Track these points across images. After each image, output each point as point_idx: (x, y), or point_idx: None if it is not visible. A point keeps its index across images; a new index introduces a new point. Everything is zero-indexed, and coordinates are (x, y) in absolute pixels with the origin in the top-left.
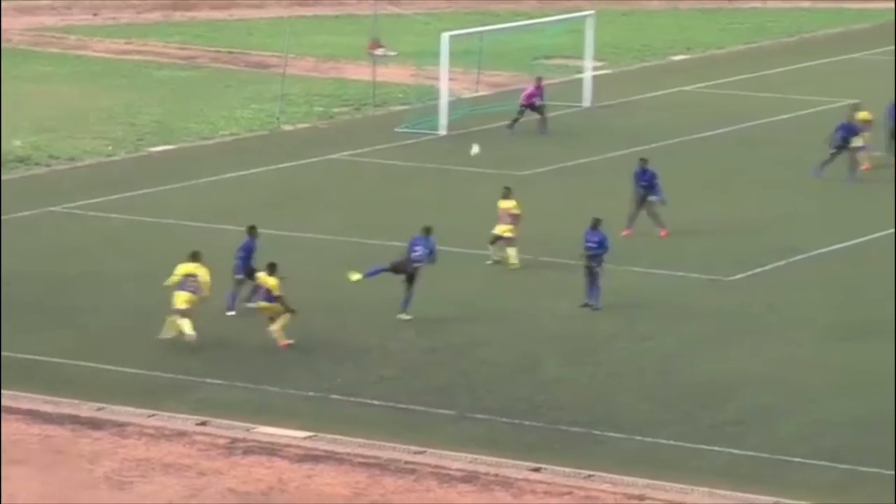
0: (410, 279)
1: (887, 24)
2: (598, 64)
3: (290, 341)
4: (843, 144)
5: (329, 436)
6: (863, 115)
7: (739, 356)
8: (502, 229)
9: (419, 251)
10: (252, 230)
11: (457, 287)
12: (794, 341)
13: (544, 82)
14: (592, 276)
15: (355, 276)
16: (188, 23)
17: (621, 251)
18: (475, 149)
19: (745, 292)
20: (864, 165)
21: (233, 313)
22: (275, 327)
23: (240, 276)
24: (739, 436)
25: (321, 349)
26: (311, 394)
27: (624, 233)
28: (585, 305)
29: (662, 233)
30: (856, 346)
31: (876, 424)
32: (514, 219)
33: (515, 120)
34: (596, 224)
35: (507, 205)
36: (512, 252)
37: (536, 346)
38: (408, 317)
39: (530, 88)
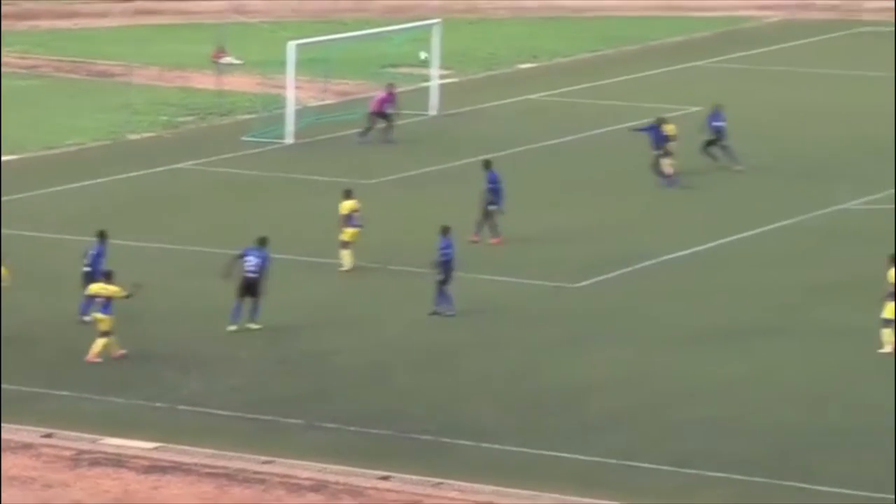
0: (253, 291)
1: (729, 31)
2: (445, 72)
3: (124, 351)
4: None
5: (176, 446)
6: (669, 128)
7: (586, 363)
8: (348, 233)
9: (252, 261)
10: (102, 235)
11: (305, 296)
12: (640, 347)
13: (396, 90)
14: (444, 283)
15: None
16: (30, 32)
17: (469, 258)
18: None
19: (590, 299)
20: (669, 170)
21: (88, 318)
22: (98, 345)
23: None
24: (588, 442)
25: (168, 359)
26: (157, 404)
27: (472, 238)
28: (434, 313)
29: (494, 240)
30: (700, 352)
31: (722, 429)
32: (349, 220)
33: (368, 128)
34: (446, 231)
35: (349, 206)
36: (346, 254)
37: (385, 355)
38: (257, 326)
39: (382, 94)
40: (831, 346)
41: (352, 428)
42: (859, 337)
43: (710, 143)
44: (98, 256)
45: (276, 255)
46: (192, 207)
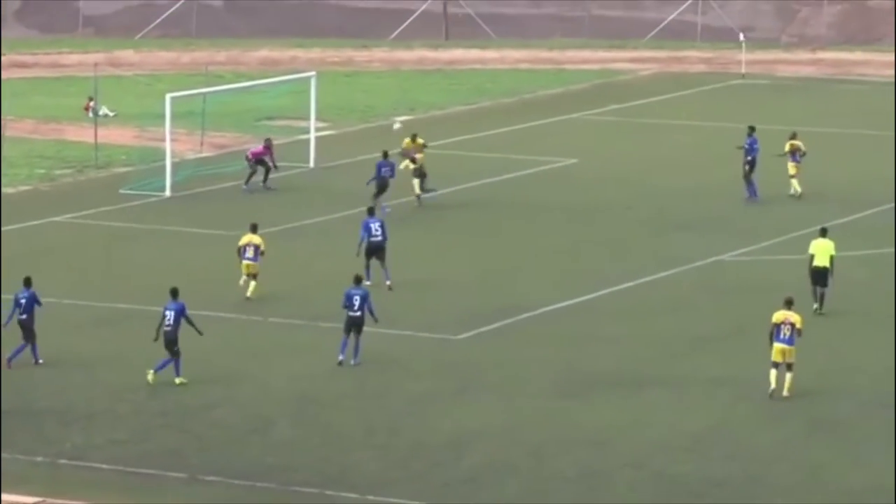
0: (173, 345)
1: (604, 84)
2: (322, 125)
3: None
4: None
5: (58, 501)
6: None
7: (468, 414)
8: (248, 266)
9: (169, 315)
10: (28, 282)
11: (187, 348)
12: (520, 398)
13: (273, 142)
14: (353, 331)
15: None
16: None
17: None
18: (397, 124)
19: (471, 351)
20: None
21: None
22: None
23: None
24: (471, 492)
25: (48, 413)
26: (39, 459)
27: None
28: (340, 363)
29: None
30: (581, 402)
31: (603, 479)
32: (259, 253)
33: (250, 175)
34: (358, 281)
35: (255, 239)
36: (252, 285)
37: (268, 408)
38: (183, 381)
39: (259, 148)
40: (710, 396)
41: (235, 481)
42: (738, 386)
43: None
44: (30, 302)
45: (156, 308)
46: (70, 260)
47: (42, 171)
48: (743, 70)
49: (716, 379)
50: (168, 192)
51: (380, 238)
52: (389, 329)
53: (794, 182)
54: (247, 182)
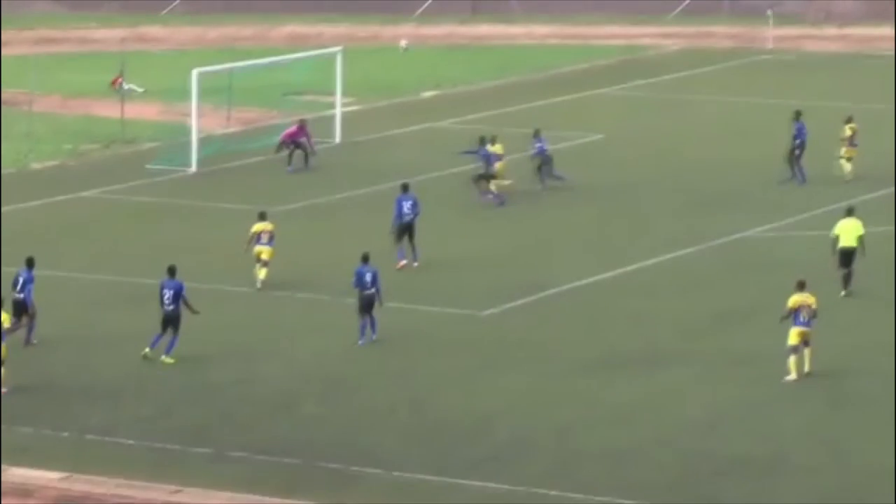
0: (174, 324)
1: (630, 59)
2: (348, 100)
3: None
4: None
5: (84, 476)
6: (496, 147)
7: (492, 391)
8: (260, 250)
9: (168, 294)
10: (30, 262)
11: (213, 324)
12: (545, 375)
13: (307, 124)
14: (368, 309)
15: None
16: None
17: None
18: (403, 43)
19: (496, 327)
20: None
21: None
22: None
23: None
24: (496, 470)
25: (75, 389)
26: (65, 434)
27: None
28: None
29: (412, 264)
30: (604, 379)
31: (627, 456)
32: (257, 240)
33: (291, 154)
34: (366, 259)
35: (265, 226)
36: (263, 273)
37: (294, 384)
38: (171, 360)
39: (292, 129)
40: (733, 373)
41: (261, 457)
42: (761, 364)
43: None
44: (28, 283)
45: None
46: (97, 236)
47: (69, 146)
48: (770, 46)
49: (740, 356)
50: (194, 168)
51: (411, 216)
52: (415, 305)
53: (848, 165)
54: (290, 162)
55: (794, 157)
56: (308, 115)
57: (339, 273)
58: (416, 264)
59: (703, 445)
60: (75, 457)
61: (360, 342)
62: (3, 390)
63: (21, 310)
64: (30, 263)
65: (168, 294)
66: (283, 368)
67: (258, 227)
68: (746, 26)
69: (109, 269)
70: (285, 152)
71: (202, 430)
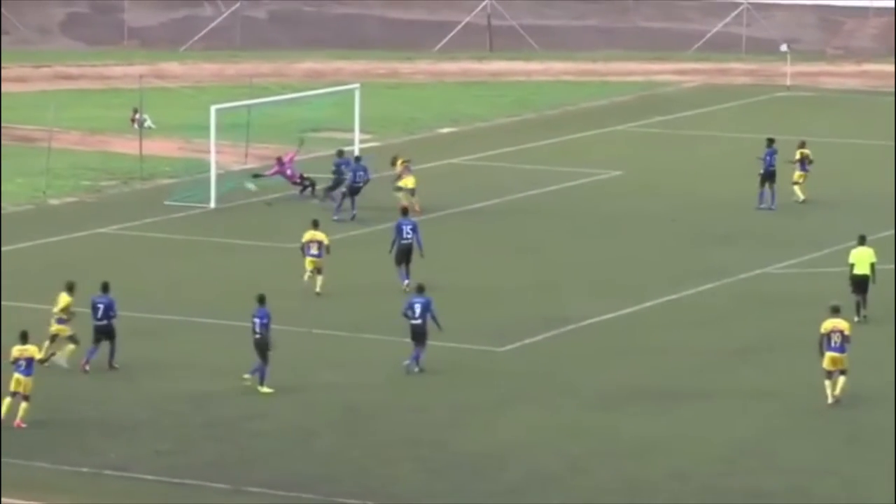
0: (261, 351)
1: (648, 96)
2: (366, 136)
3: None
4: None
5: None
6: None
7: (511, 426)
8: (312, 262)
9: (257, 322)
10: (105, 287)
11: (232, 359)
12: (564, 410)
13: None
14: (416, 340)
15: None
16: None
17: (386, 321)
18: (252, 186)
19: (515, 363)
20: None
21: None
22: (22, 409)
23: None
24: None
25: (92, 423)
26: (83, 470)
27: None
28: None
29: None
30: (623, 414)
31: (646, 490)
32: (324, 249)
33: (312, 188)
34: (421, 290)
35: (319, 236)
36: (319, 280)
37: (311, 419)
38: (268, 390)
39: (273, 168)
40: (752, 408)
41: (278, 492)
42: (779, 399)
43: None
44: (109, 309)
45: (200, 320)
46: (116, 272)
47: (87, 182)
48: (788, 82)
49: (759, 391)
50: (213, 204)
51: (410, 240)
52: (433, 341)
53: (797, 189)
54: (313, 193)
55: (763, 182)
56: (325, 152)
57: (356, 307)
58: (407, 283)
59: (721, 481)
60: (93, 492)
61: (405, 363)
62: (23, 425)
63: (103, 335)
64: (105, 288)
65: (257, 322)
66: (300, 403)
67: (308, 235)
68: (764, 63)
69: (128, 304)
70: (310, 192)
71: (220, 466)
